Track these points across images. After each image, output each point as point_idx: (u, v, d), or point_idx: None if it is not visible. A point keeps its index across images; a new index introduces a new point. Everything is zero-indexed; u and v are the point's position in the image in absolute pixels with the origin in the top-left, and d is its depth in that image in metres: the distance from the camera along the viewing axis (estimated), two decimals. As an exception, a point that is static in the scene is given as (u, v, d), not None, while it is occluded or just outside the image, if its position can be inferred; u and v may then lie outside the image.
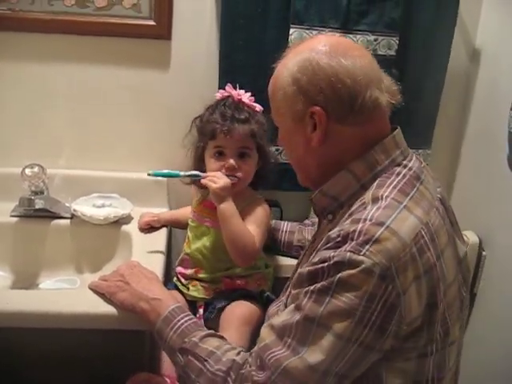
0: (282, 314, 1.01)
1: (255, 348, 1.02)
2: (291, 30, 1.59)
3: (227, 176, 1.38)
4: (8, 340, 1.19)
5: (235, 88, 1.47)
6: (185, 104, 1.68)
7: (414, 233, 0.93)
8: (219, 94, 1.48)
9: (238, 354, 1.05)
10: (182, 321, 1.12)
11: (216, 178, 1.35)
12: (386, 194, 0.98)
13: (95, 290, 1.26)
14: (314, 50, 1.04)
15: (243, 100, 1.43)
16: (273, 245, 1.61)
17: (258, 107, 1.45)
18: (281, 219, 1.77)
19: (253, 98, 1.46)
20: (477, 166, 1.77)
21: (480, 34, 1.75)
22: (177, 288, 1.49)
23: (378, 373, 0.97)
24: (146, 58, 1.66)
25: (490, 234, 1.66)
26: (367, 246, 0.89)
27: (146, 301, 1.18)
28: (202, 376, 1.04)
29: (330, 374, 0.92)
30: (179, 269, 1.51)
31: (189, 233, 1.51)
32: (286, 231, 1.62)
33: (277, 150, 1.66)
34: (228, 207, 1.35)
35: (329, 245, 0.95)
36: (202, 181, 1.37)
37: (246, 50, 1.61)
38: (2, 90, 1.67)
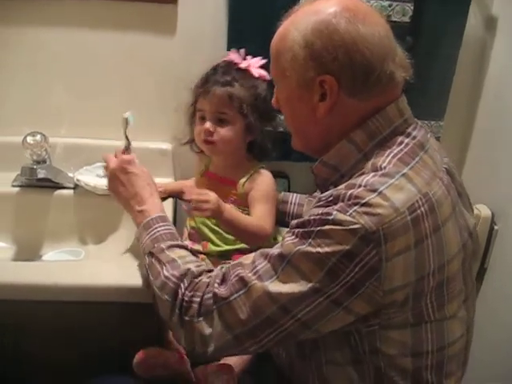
0: None
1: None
2: (302, -4, 1.53)
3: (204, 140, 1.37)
4: (13, 313, 1.15)
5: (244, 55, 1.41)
6: (191, 71, 1.61)
7: (410, 202, 0.90)
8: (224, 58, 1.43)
9: (198, 266, 1.07)
10: (160, 228, 1.16)
11: (201, 204, 1.28)
12: (384, 163, 0.95)
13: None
14: (330, 12, 0.97)
15: (240, 66, 1.38)
16: (281, 217, 1.55)
17: (257, 72, 1.39)
18: (288, 191, 1.73)
19: (258, 61, 1.40)
20: (490, 138, 1.72)
21: (496, 1, 1.69)
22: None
23: (372, 342, 0.97)
24: (150, 23, 1.60)
25: (502, 207, 1.62)
26: (355, 207, 0.88)
27: (139, 204, 1.21)
28: (158, 279, 1.07)
29: (289, 312, 0.92)
30: (188, 243, 1.45)
31: None
32: (294, 203, 1.57)
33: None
34: (227, 215, 1.31)
35: (320, 203, 0.95)
36: (193, 212, 1.33)
37: (256, 15, 1.55)
38: (2, 56, 1.61)
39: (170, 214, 1.49)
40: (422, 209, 0.91)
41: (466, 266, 1.03)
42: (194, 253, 1.16)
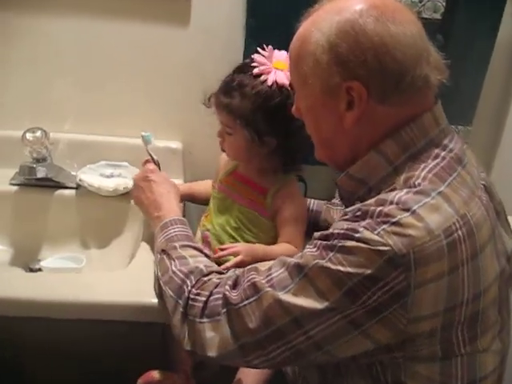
0: None
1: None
2: (327, -13, 1.43)
3: None
4: (11, 330, 1.06)
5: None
6: (205, 66, 1.53)
7: (447, 224, 0.81)
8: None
9: (209, 266, 1.03)
10: (176, 229, 1.14)
11: (233, 252, 1.21)
12: (419, 179, 0.85)
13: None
14: (356, 10, 0.86)
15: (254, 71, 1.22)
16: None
17: (284, 82, 1.22)
18: (305, 195, 1.63)
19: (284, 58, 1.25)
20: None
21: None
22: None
23: (396, 375, 0.88)
24: (162, 13, 1.49)
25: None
26: (384, 226, 0.80)
27: (157, 210, 1.21)
28: (165, 275, 1.04)
29: (301, 327, 0.84)
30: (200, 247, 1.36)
31: (211, 205, 1.37)
32: (312, 210, 1.48)
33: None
34: (262, 256, 1.21)
35: (346, 217, 0.86)
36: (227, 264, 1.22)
37: (276, 7, 1.44)
38: (2, 46, 1.50)
39: None
40: (460, 232, 0.81)
41: (502, 294, 0.94)
42: (208, 255, 1.11)
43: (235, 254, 1.21)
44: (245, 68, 1.24)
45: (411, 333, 0.82)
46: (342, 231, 0.83)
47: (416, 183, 0.84)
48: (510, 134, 1.68)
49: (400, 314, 0.80)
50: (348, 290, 0.80)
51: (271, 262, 0.94)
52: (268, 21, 1.45)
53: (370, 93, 0.87)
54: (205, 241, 1.35)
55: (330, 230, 0.86)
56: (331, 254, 0.82)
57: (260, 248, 1.26)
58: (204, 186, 1.49)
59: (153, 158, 1.35)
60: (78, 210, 1.46)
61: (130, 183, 1.45)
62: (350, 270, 0.79)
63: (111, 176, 1.49)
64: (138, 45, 1.52)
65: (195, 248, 1.10)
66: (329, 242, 0.84)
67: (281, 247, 1.28)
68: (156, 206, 1.22)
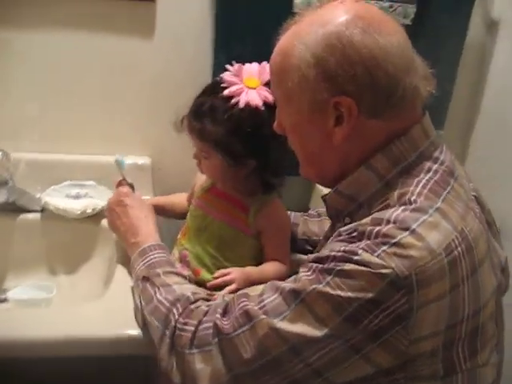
0: None
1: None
2: (296, -7, 1.40)
3: None
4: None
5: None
6: (172, 78, 1.48)
7: (446, 242, 0.78)
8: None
9: (196, 293, 0.99)
10: (157, 255, 1.09)
11: (228, 280, 1.17)
12: (414, 195, 0.82)
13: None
14: (341, 22, 0.82)
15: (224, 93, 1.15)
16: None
17: (256, 103, 1.15)
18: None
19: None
20: (491, 146, 1.62)
21: (498, 4, 1.59)
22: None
23: None
24: (126, 23, 1.43)
25: (506, 220, 1.52)
26: (384, 247, 0.76)
27: (134, 235, 1.15)
28: (150, 304, 0.99)
29: (299, 355, 0.80)
30: (176, 267, 1.29)
31: (189, 223, 1.31)
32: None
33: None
34: (255, 281, 1.17)
35: (341, 237, 0.83)
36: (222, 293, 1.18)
37: (246, 13, 1.40)
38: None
39: None
40: (459, 249, 0.79)
41: (497, 306, 0.92)
42: (188, 278, 1.10)
43: (229, 282, 1.17)
44: (215, 88, 1.17)
45: (412, 353, 0.79)
46: (340, 253, 0.79)
47: (412, 200, 0.81)
48: (480, 138, 1.69)
49: (402, 336, 0.77)
50: (348, 316, 0.76)
51: (261, 287, 0.89)
52: (237, 31, 1.41)
53: (360, 107, 0.83)
54: (183, 260, 1.29)
55: (326, 253, 0.82)
56: (329, 278, 0.78)
57: (253, 271, 1.22)
58: (177, 200, 1.43)
59: (127, 182, 1.29)
60: (44, 235, 1.38)
61: (98, 203, 1.39)
62: (350, 294, 0.76)
63: (78, 196, 1.41)
64: (101, 57, 1.45)
65: (179, 274, 1.06)
66: (325, 266, 0.80)
67: (271, 266, 1.25)
68: (133, 231, 1.16)
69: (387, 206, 0.83)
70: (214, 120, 1.15)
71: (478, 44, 1.62)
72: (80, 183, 1.45)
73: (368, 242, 0.78)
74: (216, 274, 1.20)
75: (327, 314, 0.78)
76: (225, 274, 1.20)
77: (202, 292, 1.02)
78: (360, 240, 0.79)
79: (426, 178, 0.85)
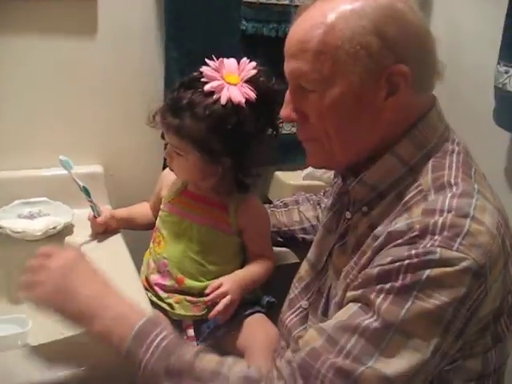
0: (334, 317, 0.82)
1: (288, 356, 0.82)
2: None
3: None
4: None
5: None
6: (119, 79, 1.39)
7: (495, 222, 0.79)
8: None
9: (249, 367, 0.84)
10: (161, 336, 0.85)
11: (220, 294, 1.15)
12: (451, 178, 0.82)
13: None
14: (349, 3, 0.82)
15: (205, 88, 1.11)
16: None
17: (238, 100, 1.11)
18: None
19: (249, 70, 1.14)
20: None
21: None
22: (152, 304, 1.19)
23: (443, 376, 0.84)
24: (67, 23, 1.33)
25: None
26: (459, 240, 0.75)
27: (103, 318, 0.87)
28: None
29: None
30: (155, 278, 1.23)
31: (162, 231, 1.24)
32: None
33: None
34: (247, 287, 1.20)
35: (399, 241, 0.78)
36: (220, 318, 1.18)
37: (197, 7, 1.34)
38: None
39: (125, 248, 1.27)
40: (503, 227, 0.81)
41: None
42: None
43: (223, 295, 1.14)
44: (193, 83, 1.12)
45: (471, 333, 0.80)
46: (414, 260, 0.75)
47: (452, 182, 0.81)
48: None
49: (472, 323, 0.77)
50: (447, 323, 0.74)
51: (313, 332, 0.82)
52: (188, 25, 1.35)
53: (413, 78, 0.83)
54: (163, 270, 1.23)
55: (386, 265, 0.77)
56: (415, 293, 0.74)
57: (243, 275, 1.21)
58: (141, 210, 1.37)
59: (78, 185, 1.21)
60: (1, 262, 1.23)
61: (59, 221, 1.28)
62: (444, 299, 0.73)
63: (32, 216, 1.30)
64: (41, 59, 1.34)
65: (205, 351, 0.86)
66: (404, 281, 0.75)
67: (259, 264, 1.24)
68: (101, 300, 0.89)
69: (421, 192, 0.82)
70: (193, 116, 1.09)
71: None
72: (31, 201, 1.34)
73: (438, 237, 0.75)
74: (208, 290, 1.16)
75: (425, 329, 0.74)
76: (216, 287, 1.16)
77: (254, 364, 0.86)
78: (424, 238, 0.76)
79: (455, 160, 0.86)
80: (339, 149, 0.89)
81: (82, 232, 1.30)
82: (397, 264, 0.76)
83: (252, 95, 1.11)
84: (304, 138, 0.94)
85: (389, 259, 0.77)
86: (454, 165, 0.85)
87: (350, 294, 0.84)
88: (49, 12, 1.29)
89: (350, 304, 0.81)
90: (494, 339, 0.85)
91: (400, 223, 0.80)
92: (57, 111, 1.38)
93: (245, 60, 1.14)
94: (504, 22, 1.27)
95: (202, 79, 1.10)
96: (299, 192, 1.42)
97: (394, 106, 0.83)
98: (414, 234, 0.77)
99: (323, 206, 1.31)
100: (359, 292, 0.80)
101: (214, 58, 1.11)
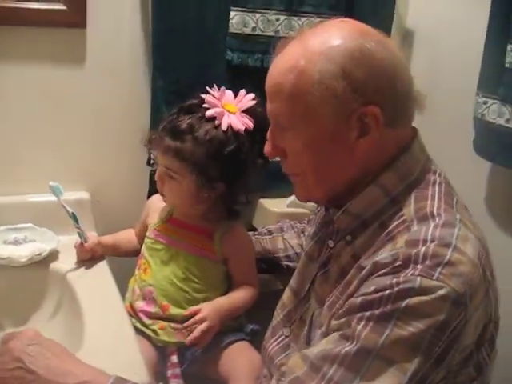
0: (318, 345, 0.84)
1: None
2: (232, 14, 1.39)
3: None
4: None
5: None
6: (107, 107, 1.41)
7: (477, 252, 0.81)
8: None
9: None
10: None
11: (199, 320, 1.16)
12: (434, 209, 0.84)
13: None
14: (356, 35, 0.84)
15: (207, 114, 1.15)
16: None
17: (238, 127, 1.16)
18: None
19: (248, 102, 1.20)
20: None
21: (411, 14, 1.68)
22: (137, 330, 1.19)
23: None
24: (55, 51, 1.34)
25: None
26: (439, 269, 0.76)
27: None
28: None
29: None
30: (140, 305, 1.23)
31: (148, 258, 1.25)
32: None
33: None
34: (228, 314, 1.21)
35: (384, 271, 0.79)
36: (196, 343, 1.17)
37: (182, 38, 1.37)
38: None
39: (107, 274, 1.27)
40: (484, 256, 0.83)
41: None
42: None
43: (201, 321, 1.15)
44: (193, 108, 1.16)
45: (455, 363, 0.80)
46: (394, 290, 0.76)
47: (435, 213, 0.83)
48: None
49: (455, 351, 0.78)
50: (424, 350, 0.75)
51: (294, 363, 0.85)
52: (175, 55, 1.38)
53: (384, 116, 0.84)
54: (148, 297, 1.23)
55: (372, 295, 0.78)
56: (394, 321, 0.75)
57: (223, 302, 1.21)
58: (127, 237, 1.37)
59: (67, 211, 1.22)
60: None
61: (44, 248, 1.29)
62: (421, 326, 0.74)
63: (17, 242, 1.30)
64: (31, 87, 1.35)
65: None
66: (384, 309, 0.76)
67: (241, 292, 1.25)
68: (66, 373, 0.87)
69: (404, 222, 0.83)
70: (194, 139, 1.13)
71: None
72: (16, 227, 1.34)
73: (420, 266, 0.76)
74: (186, 313, 1.17)
75: (403, 356, 0.75)
76: (195, 312, 1.17)
77: None
78: (407, 267, 0.77)
79: (437, 190, 0.88)
80: (314, 184, 0.93)
81: (67, 259, 1.30)
82: (379, 294, 0.77)
83: (250, 124, 1.16)
84: (286, 172, 0.97)
85: (372, 288, 0.79)
86: (436, 195, 0.86)
87: (333, 322, 0.85)
88: (38, 40, 1.31)
89: (334, 333, 0.83)
90: (476, 368, 0.86)
91: (385, 253, 0.81)
92: (44, 138, 1.39)
93: (242, 92, 1.20)
94: (482, 54, 1.31)
95: (204, 105, 1.15)
96: (284, 219, 1.44)
97: (367, 145, 0.86)
98: (398, 263, 0.78)
99: (307, 233, 1.33)
100: (342, 320, 0.82)
101: (216, 87, 1.17)
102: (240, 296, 1.25)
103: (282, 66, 0.88)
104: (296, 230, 1.38)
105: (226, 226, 1.25)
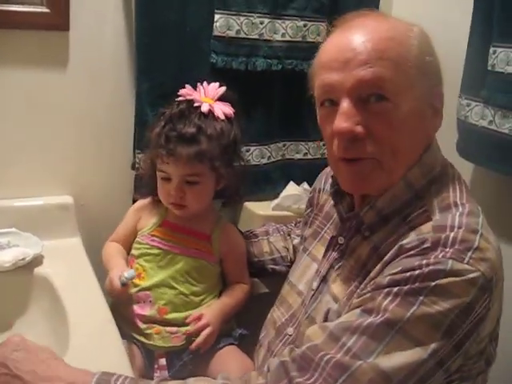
0: (339, 318, 0.85)
1: (293, 352, 0.84)
2: (216, 16, 1.38)
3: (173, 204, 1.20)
4: None
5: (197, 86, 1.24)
6: (90, 110, 1.40)
7: (497, 243, 0.84)
8: (181, 98, 1.22)
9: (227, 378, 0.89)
10: (121, 379, 0.85)
11: (202, 327, 1.18)
12: (457, 199, 0.86)
13: None
14: (419, 28, 0.90)
15: (202, 110, 1.18)
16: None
17: (222, 114, 1.20)
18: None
19: (219, 91, 1.23)
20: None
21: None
22: (124, 335, 1.16)
23: None
24: (38, 54, 1.32)
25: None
26: (469, 253, 0.78)
27: None
28: None
29: None
30: (134, 309, 1.21)
31: (143, 263, 1.24)
32: None
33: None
34: (226, 315, 1.23)
35: (411, 252, 0.80)
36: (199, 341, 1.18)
37: (166, 41, 1.36)
38: None
39: (92, 280, 1.25)
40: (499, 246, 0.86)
41: None
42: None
43: (204, 327, 1.16)
44: (184, 112, 1.18)
45: (472, 353, 0.82)
46: (426, 270, 0.77)
47: (459, 203, 0.85)
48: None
49: (474, 339, 0.79)
50: (446, 329, 0.76)
51: (317, 329, 0.85)
52: (159, 58, 1.37)
53: None
54: (145, 301, 1.22)
55: (400, 274, 0.79)
56: (422, 298, 0.76)
57: (221, 306, 1.23)
58: (122, 253, 1.31)
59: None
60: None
61: (28, 252, 1.26)
62: (447, 306, 0.76)
63: (0, 247, 1.28)
64: (13, 91, 1.33)
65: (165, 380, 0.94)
66: (413, 286, 0.77)
67: (237, 290, 1.28)
68: (52, 377, 0.86)
69: (426, 212, 0.85)
70: (208, 138, 1.15)
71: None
72: (0, 231, 1.31)
73: (450, 249, 0.78)
74: (188, 320, 1.18)
75: (425, 333, 0.76)
76: (197, 319, 1.18)
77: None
78: (436, 250, 0.78)
79: (457, 183, 0.91)
80: (399, 166, 0.88)
81: (51, 263, 1.28)
82: (408, 273, 0.78)
83: (231, 109, 1.22)
84: (358, 156, 0.87)
85: (399, 268, 0.80)
86: (457, 187, 0.90)
87: (355, 301, 0.86)
88: (20, 42, 1.29)
89: (355, 309, 0.83)
90: (486, 362, 0.88)
91: (410, 237, 0.82)
92: (28, 142, 1.37)
93: (205, 84, 1.23)
94: (465, 56, 1.32)
95: (195, 104, 1.18)
96: (269, 222, 1.44)
97: (437, 123, 0.91)
98: (426, 245, 0.79)
99: (294, 236, 1.34)
100: (366, 296, 0.82)
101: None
102: (237, 294, 1.27)
103: (376, 33, 0.85)
104: (282, 232, 1.38)
105: (220, 226, 1.27)
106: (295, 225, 1.38)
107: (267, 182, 1.58)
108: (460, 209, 0.84)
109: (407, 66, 0.84)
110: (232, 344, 1.24)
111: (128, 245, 1.30)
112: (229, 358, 1.20)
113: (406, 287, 0.78)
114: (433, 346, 0.75)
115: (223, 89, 1.23)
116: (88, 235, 1.42)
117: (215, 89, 1.23)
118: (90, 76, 1.38)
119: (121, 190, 1.43)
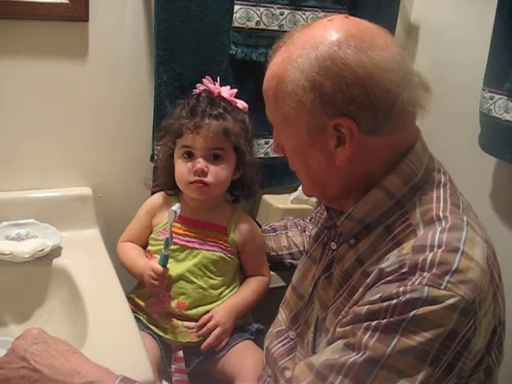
0: (323, 353, 0.83)
1: None
2: (236, 7, 1.37)
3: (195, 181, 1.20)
4: None
5: (214, 81, 1.28)
6: (109, 101, 1.39)
7: (484, 254, 0.79)
8: (196, 90, 1.27)
9: None
10: None
11: (212, 327, 1.20)
12: (440, 211, 0.82)
13: None
14: (333, 42, 0.80)
15: (222, 95, 1.22)
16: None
17: (241, 104, 1.25)
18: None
19: (234, 91, 1.28)
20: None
21: (416, 9, 1.67)
22: (142, 327, 1.20)
23: None
24: (57, 45, 1.31)
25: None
26: (447, 278, 0.74)
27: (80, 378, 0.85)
28: None
29: None
30: (153, 302, 1.23)
31: None
32: None
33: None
34: (240, 311, 1.25)
35: (389, 278, 0.78)
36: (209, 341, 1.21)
37: (187, 31, 1.34)
38: None
39: (110, 271, 1.25)
40: (492, 258, 0.82)
41: None
42: None
43: (214, 328, 1.18)
44: (207, 96, 1.24)
45: (467, 369, 0.79)
46: (403, 299, 0.74)
47: (441, 216, 0.81)
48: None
49: (466, 358, 0.76)
50: (432, 359, 0.73)
51: (301, 369, 0.84)
52: (178, 50, 1.35)
53: (361, 126, 0.81)
54: (163, 295, 1.22)
55: (378, 304, 0.77)
56: (401, 330, 0.74)
57: (234, 303, 1.23)
58: (140, 251, 1.33)
59: (171, 236, 1.18)
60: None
61: (47, 243, 1.27)
62: (428, 336, 0.73)
63: (19, 238, 1.29)
64: (33, 82, 1.32)
65: None
66: (391, 319, 0.75)
67: (253, 283, 1.29)
68: (71, 373, 0.86)
69: (410, 226, 0.82)
70: (233, 118, 1.21)
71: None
72: (18, 222, 1.32)
73: (427, 274, 0.74)
74: (199, 322, 1.20)
75: (410, 365, 0.74)
76: (207, 320, 1.19)
77: None
78: (414, 274, 0.75)
79: (442, 192, 0.86)
80: (309, 185, 0.94)
81: (70, 254, 1.29)
82: (385, 303, 0.76)
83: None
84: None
85: (378, 296, 0.77)
86: (441, 196, 0.85)
87: (339, 330, 0.84)
88: (39, 33, 1.28)
89: (339, 341, 0.81)
90: (486, 372, 0.84)
91: (391, 260, 0.80)
92: (46, 133, 1.37)
93: (217, 84, 1.30)
94: (489, 48, 1.30)
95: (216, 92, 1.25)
96: (287, 216, 1.43)
97: (347, 153, 0.83)
98: (404, 270, 0.77)
99: (307, 233, 1.32)
100: (348, 328, 0.81)
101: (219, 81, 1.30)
102: (253, 289, 1.28)
103: (268, 72, 0.88)
104: (299, 227, 1.38)
105: (237, 216, 1.28)
106: (310, 220, 1.37)
107: (285, 174, 1.57)
108: (443, 223, 0.80)
109: (284, 104, 0.85)
110: (248, 339, 1.24)
111: (142, 244, 1.31)
112: (245, 353, 1.20)
113: (384, 321, 0.75)
114: (420, 376, 0.73)
115: (235, 90, 1.28)
116: (106, 227, 1.42)
117: (228, 89, 1.27)
118: (109, 67, 1.37)
119: (139, 181, 1.42)
